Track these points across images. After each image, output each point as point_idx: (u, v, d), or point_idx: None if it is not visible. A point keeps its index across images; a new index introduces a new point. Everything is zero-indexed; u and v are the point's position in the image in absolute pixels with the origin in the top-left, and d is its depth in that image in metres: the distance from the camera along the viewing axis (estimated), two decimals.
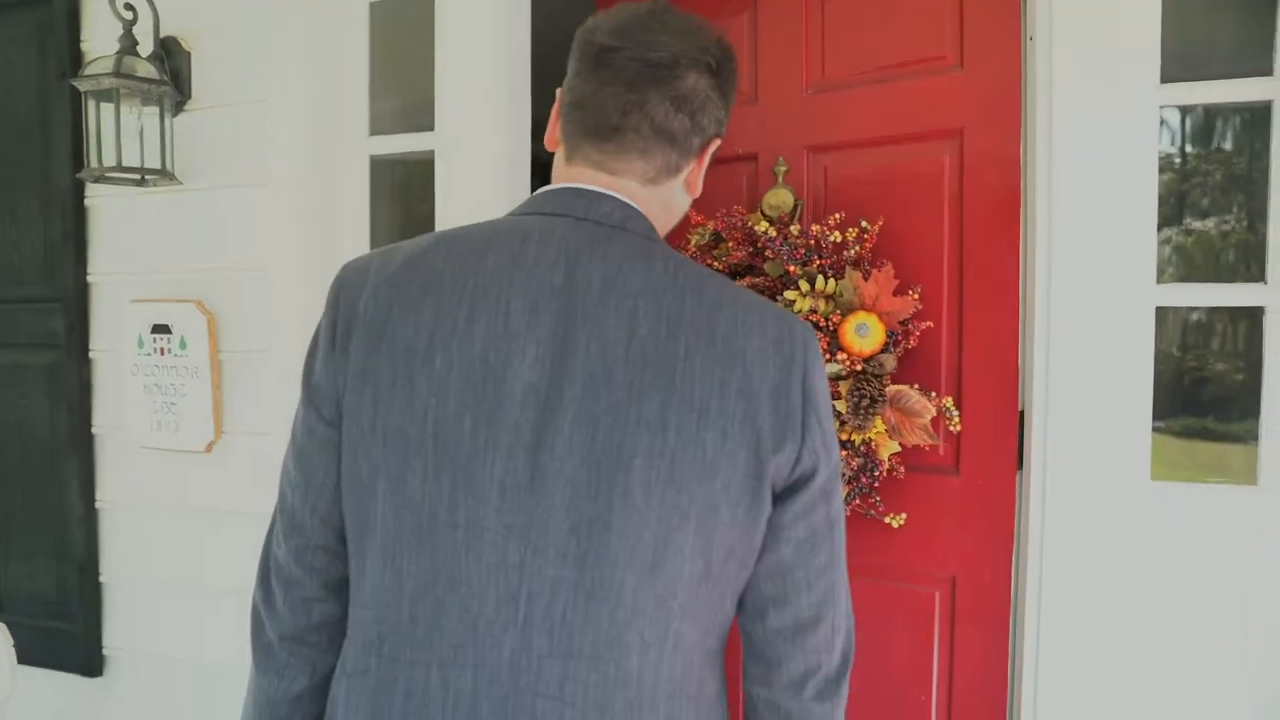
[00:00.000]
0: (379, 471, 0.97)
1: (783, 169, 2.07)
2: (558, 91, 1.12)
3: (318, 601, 1.07)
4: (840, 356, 1.93)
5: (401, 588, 0.97)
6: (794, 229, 1.99)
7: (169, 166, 2.15)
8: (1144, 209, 1.67)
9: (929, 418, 1.85)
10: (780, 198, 2.05)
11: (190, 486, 2.28)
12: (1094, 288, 1.70)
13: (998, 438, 1.82)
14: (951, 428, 1.86)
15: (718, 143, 1.12)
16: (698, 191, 1.14)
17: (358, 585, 1.01)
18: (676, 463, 0.93)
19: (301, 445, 1.05)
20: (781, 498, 0.99)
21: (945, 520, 1.91)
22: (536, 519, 0.93)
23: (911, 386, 1.89)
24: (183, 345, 2.20)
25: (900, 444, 1.89)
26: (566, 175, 1.08)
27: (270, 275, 2.16)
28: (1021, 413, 1.81)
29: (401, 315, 0.97)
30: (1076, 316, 1.71)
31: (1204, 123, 1.98)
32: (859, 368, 1.91)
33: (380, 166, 2.23)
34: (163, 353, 2.22)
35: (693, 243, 2.14)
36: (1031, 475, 1.77)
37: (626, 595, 0.93)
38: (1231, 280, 1.93)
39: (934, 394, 1.87)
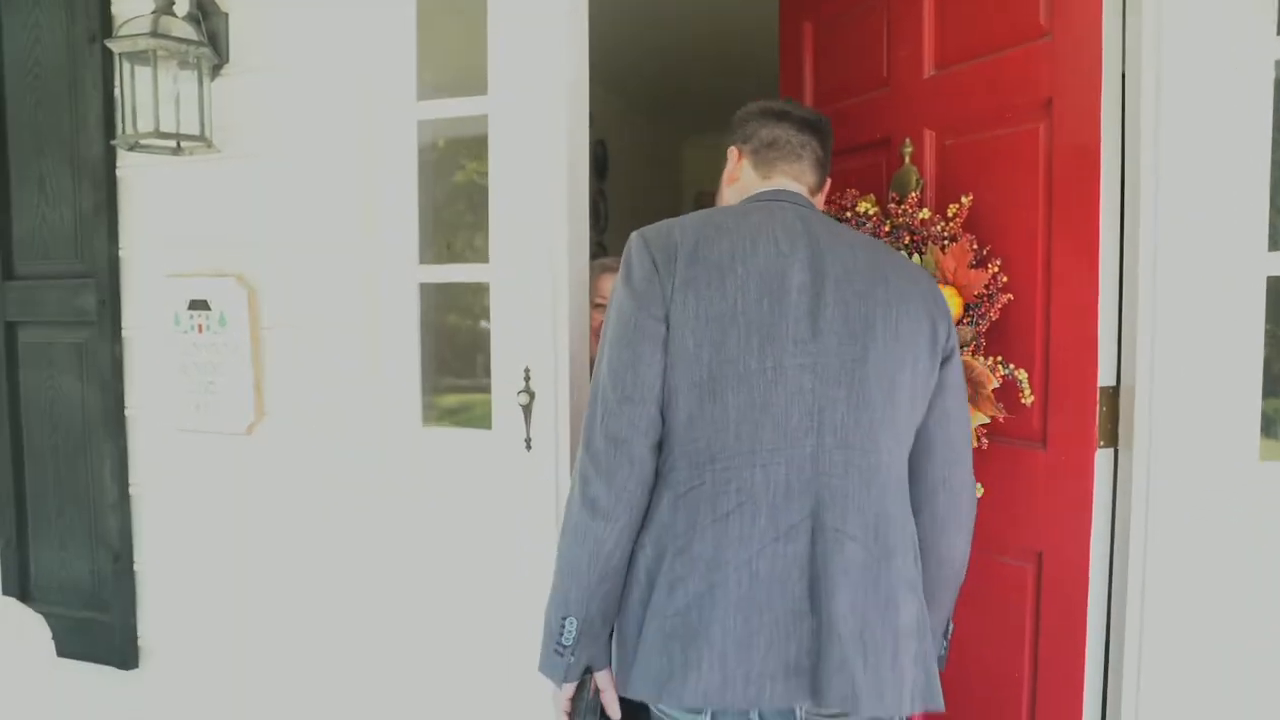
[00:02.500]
0: (704, 342, 1.40)
1: (908, 150, 2.07)
2: (731, 150, 1.69)
3: (639, 460, 1.41)
4: None
5: (727, 417, 1.39)
6: (896, 208, 1.97)
7: (207, 133, 2.04)
8: (1254, 171, 1.57)
9: (990, 388, 1.79)
10: (904, 178, 2.05)
11: (230, 470, 2.18)
12: (1200, 256, 1.61)
13: (1080, 412, 1.73)
14: (1023, 400, 1.78)
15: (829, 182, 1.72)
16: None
17: (687, 427, 1.41)
18: (899, 329, 1.44)
19: (631, 336, 1.42)
20: (941, 364, 1.50)
21: (1032, 494, 1.82)
22: (820, 359, 1.41)
23: (994, 359, 1.80)
24: (222, 321, 2.10)
25: (990, 416, 1.82)
26: (770, 184, 1.63)
27: (315, 247, 2.06)
28: (1117, 388, 1.72)
29: (706, 247, 1.44)
30: (1180, 287, 1.63)
31: None
32: None
33: (428, 135, 2.13)
34: (200, 330, 2.12)
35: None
36: (1134, 453, 1.68)
37: (876, 409, 1.42)
38: None
39: (1012, 367, 1.79)
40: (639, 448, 1.41)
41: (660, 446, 1.44)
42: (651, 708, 1.48)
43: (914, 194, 1.95)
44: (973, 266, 1.83)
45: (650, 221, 1.53)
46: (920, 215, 1.91)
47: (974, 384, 1.81)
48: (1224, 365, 1.60)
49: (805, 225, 1.49)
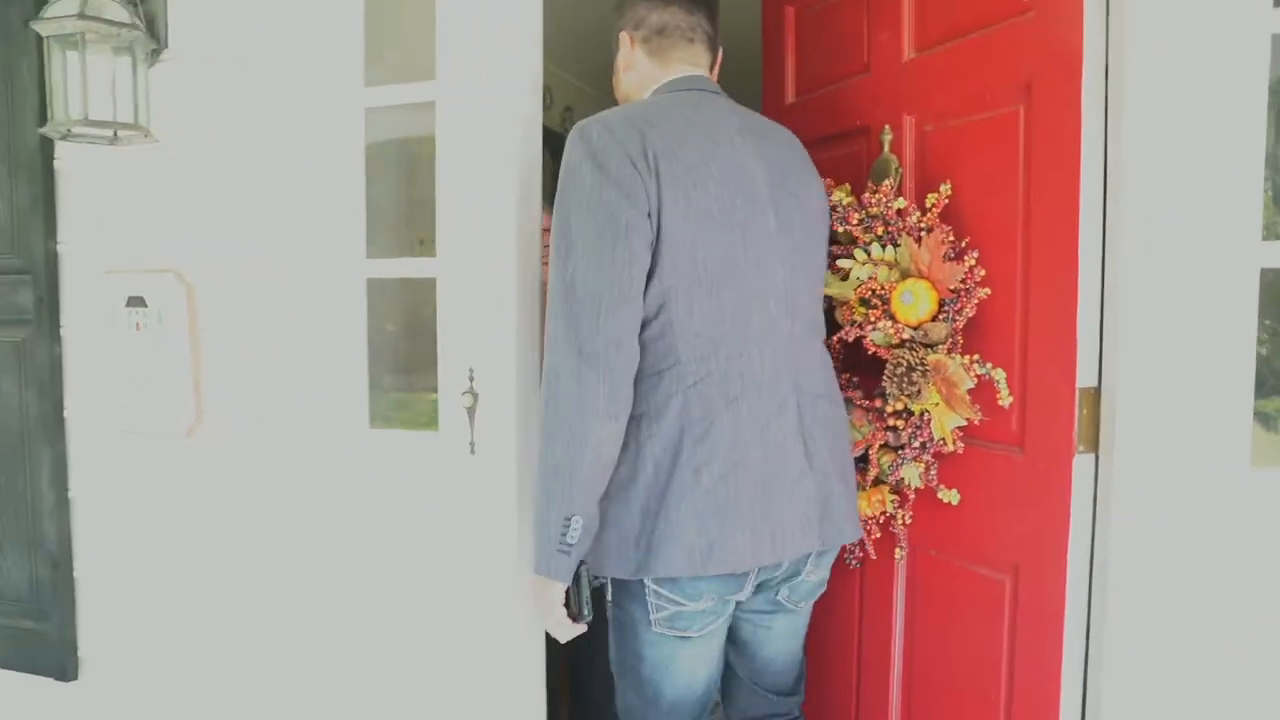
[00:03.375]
0: (699, 240, 1.48)
1: (887, 137, 1.96)
2: (622, 36, 1.72)
3: (634, 359, 1.46)
4: (885, 324, 1.74)
5: (724, 311, 1.51)
6: (870, 196, 1.85)
7: (143, 121, 1.94)
8: (1248, 157, 1.45)
9: (964, 389, 1.68)
10: (883, 166, 1.94)
11: (170, 474, 2.08)
12: (1187, 247, 1.48)
13: (1055, 416, 1.61)
14: (1000, 401, 1.66)
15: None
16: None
17: (688, 323, 1.49)
18: (817, 205, 1.70)
19: (620, 233, 1.42)
20: None
21: (1009, 503, 1.71)
22: (785, 250, 1.60)
23: (970, 358, 1.69)
24: (160, 320, 2.00)
25: (966, 418, 1.70)
26: (671, 72, 1.68)
27: (257, 242, 1.96)
28: (1099, 389, 1.59)
29: (678, 145, 1.48)
30: (1166, 280, 1.50)
31: None
32: (906, 336, 1.72)
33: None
34: (139, 328, 2.02)
35: None
36: (1113, 459, 1.55)
37: (816, 284, 1.69)
38: None
39: (989, 366, 1.67)
40: (633, 347, 1.46)
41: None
42: (647, 586, 1.55)
43: (889, 182, 1.84)
44: (948, 259, 1.72)
45: None
46: (895, 205, 1.80)
47: (948, 384, 1.69)
48: (1213, 364, 1.47)
49: (737, 116, 1.63)
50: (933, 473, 1.80)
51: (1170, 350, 1.50)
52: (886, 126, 1.95)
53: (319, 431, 1.97)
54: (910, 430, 1.78)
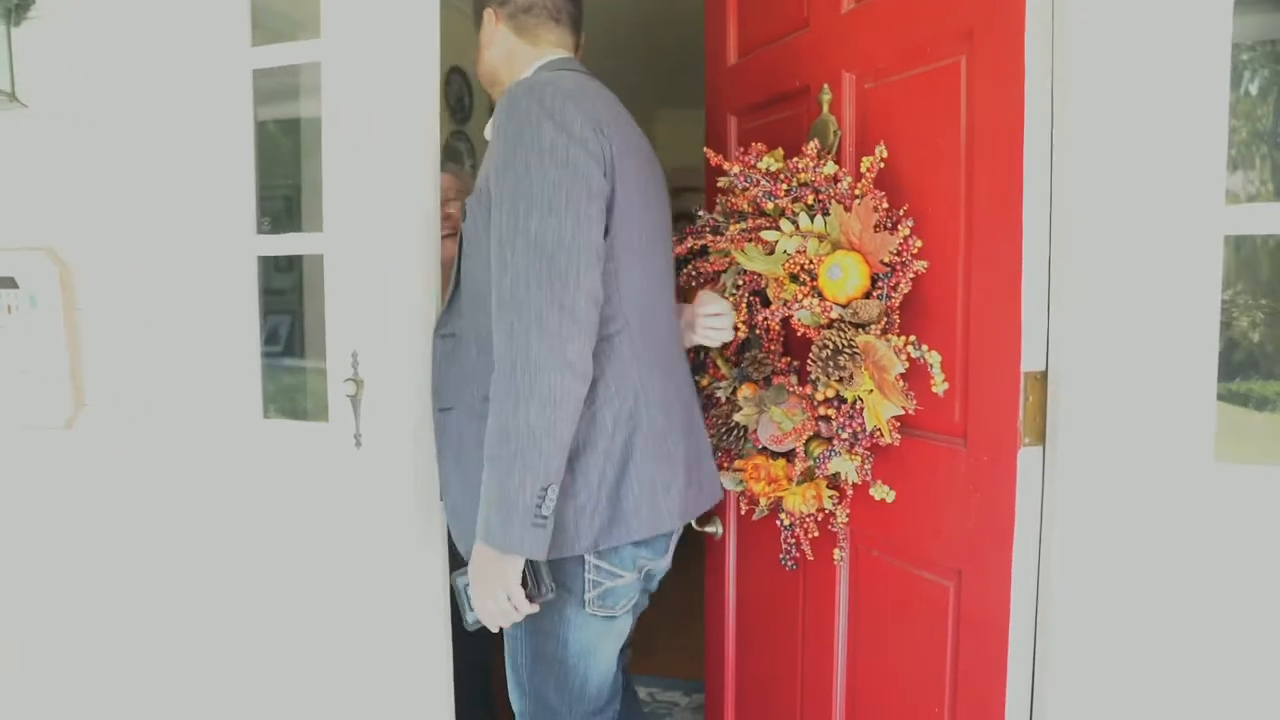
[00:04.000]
0: (638, 208, 1.54)
1: (826, 97, 1.78)
2: (486, 12, 1.68)
3: (597, 317, 1.43)
4: (811, 302, 1.57)
5: (652, 279, 1.61)
6: (802, 163, 1.67)
7: (9, 86, 1.78)
8: (1209, 109, 1.26)
9: (895, 373, 1.50)
10: (821, 129, 1.76)
11: (49, 470, 1.92)
12: (1140, 212, 1.30)
13: (998, 405, 1.43)
14: (934, 388, 1.49)
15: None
16: None
17: (630, 288, 1.54)
18: None
19: (591, 193, 1.42)
20: None
21: (951, 501, 1.53)
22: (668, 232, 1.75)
23: (905, 339, 1.51)
24: (33, 302, 1.84)
25: (901, 407, 1.53)
26: (543, 53, 1.67)
27: (137, 216, 1.79)
28: (1046, 373, 1.41)
29: (610, 117, 1.51)
30: (1117, 249, 1.32)
31: None
32: (834, 315, 1.55)
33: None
34: (9, 311, 1.86)
35: (722, 183, 1.87)
36: (1058, 452, 1.38)
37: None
38: None
39: (925, 348, 1.50)
40: (601, 304, 1.45)
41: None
42: (587, 561, 1.53)
43: (813, 144, 1.66)
44: (881, 229, 1.54)
45: None
46: (825, 170, 1.62)
47: (878, 368, 1.52)
48: (1172, 345, 1.29)
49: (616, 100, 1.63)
50: (867, 467, 1.63)
51: (1124, 330, 1.32)
52: (825, 85, 1.77)
53: (209, 422, 1.81)
54: (841, 420, 1.60)
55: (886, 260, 1.53)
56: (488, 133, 1.53)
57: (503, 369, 1.37)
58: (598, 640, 1.60)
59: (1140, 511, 1.32)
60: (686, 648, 3.18)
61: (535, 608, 1.48)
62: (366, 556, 1.68)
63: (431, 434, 1.65)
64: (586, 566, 1.53)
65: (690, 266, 1.92)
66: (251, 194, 1.80)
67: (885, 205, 1.55)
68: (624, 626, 1.67)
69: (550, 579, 1.48)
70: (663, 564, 1.68)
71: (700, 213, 1.94)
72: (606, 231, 1.46)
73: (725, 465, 1.94)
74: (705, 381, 2.02)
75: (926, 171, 1.55)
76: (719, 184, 1.87)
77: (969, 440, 1.48)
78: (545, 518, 1.37)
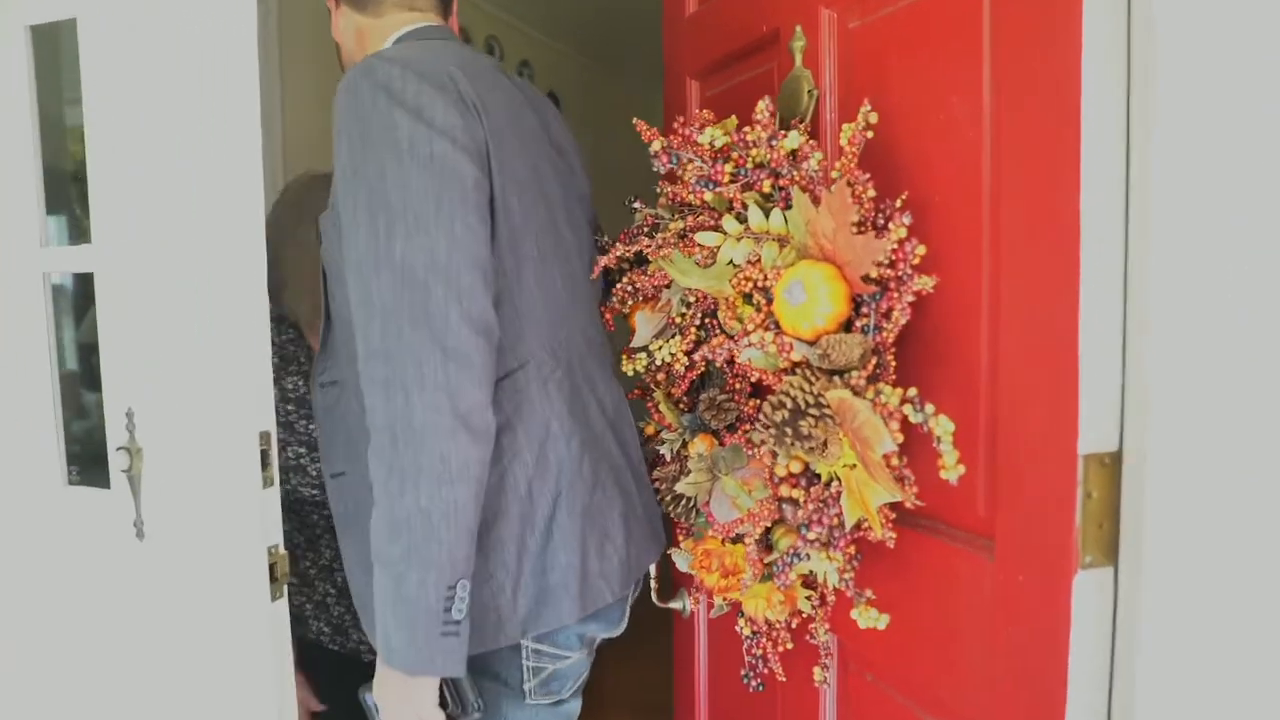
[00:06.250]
0: (526, 208, 1.23)
1: (799, 44, 1.26)
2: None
3: (494, 351, 1.14)
4: (763, 336, 1.07)
5: (556, 290, 1.31)
6: (753, 135, 1.17)
7: None
8: None
9: (882, 451, 0.98)
10: (793, 89, 1.25)
11: None
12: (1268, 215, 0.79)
13: (1043, 501, 0.92)
14: (944, 473, 0.97)
15: None
16: None
17: (530, 306, 1.24)
18: None
19: (469, 197, 1.12)
20: None
21: (967, 628, 1.02)
22: (582, 228, 1.44)
23: (900, 394, 1.01)
24: None
25: (892, 496, 1.03)
26: (399, 23, 1.34)
27: None
28: (1120, 455, 0.90)
29: (486, 92, 1.20)
30: (1234, 267, 0.81)
31: None
32: (796, 358, 1.05)
33: None
34: None
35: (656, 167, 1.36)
36: (1143, 578, 0.87)
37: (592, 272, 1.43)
38: None
39: (929, 410, 0.99)
40: (496, 336, 1.15)
41: None
42: (525, 647, 1.27)
43: (763, 106, 1.16)
44: (864, 228, 1.04)
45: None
46: (784, 144, 1.12)
47: (859, 439, 1.01)
48: None
49: (505, 75, 1.36)
50: (850, 573, 1.13)
51: (1258, 385, 0.82)
52: (798, 28, 1.27)
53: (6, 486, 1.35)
54: (811, 508, 1.10)
55: (874, 275, 1.02)
56: None
57: (380, 442, 1.08)
58: None
59: (1272, 674, 0.82)
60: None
61: None
62: (147, 670, 1.21)
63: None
64: (524, 653, 1.28)
65: (626, 279, 1.43)
66: (35, 192, 1.33)
67: (872, 194, 1.04)
68: (573, 710, 1.42)
69: (476, 694, 1.23)
70: (618, 630, 1.41)
71: (635, 205, 1.45)
72: (494, 242, 1.17)
73: (677, 541, 1.46)
74: (650, 429, 1.53)
75: (933, 143, 1.05)
76: (654, 168, 1.37)
77: (998, 548, 0.97)
78: (457, 622, 1.10)
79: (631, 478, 1.39)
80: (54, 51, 1.39)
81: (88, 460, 1.39)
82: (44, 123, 1.36)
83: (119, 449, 1.17)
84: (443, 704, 1.20)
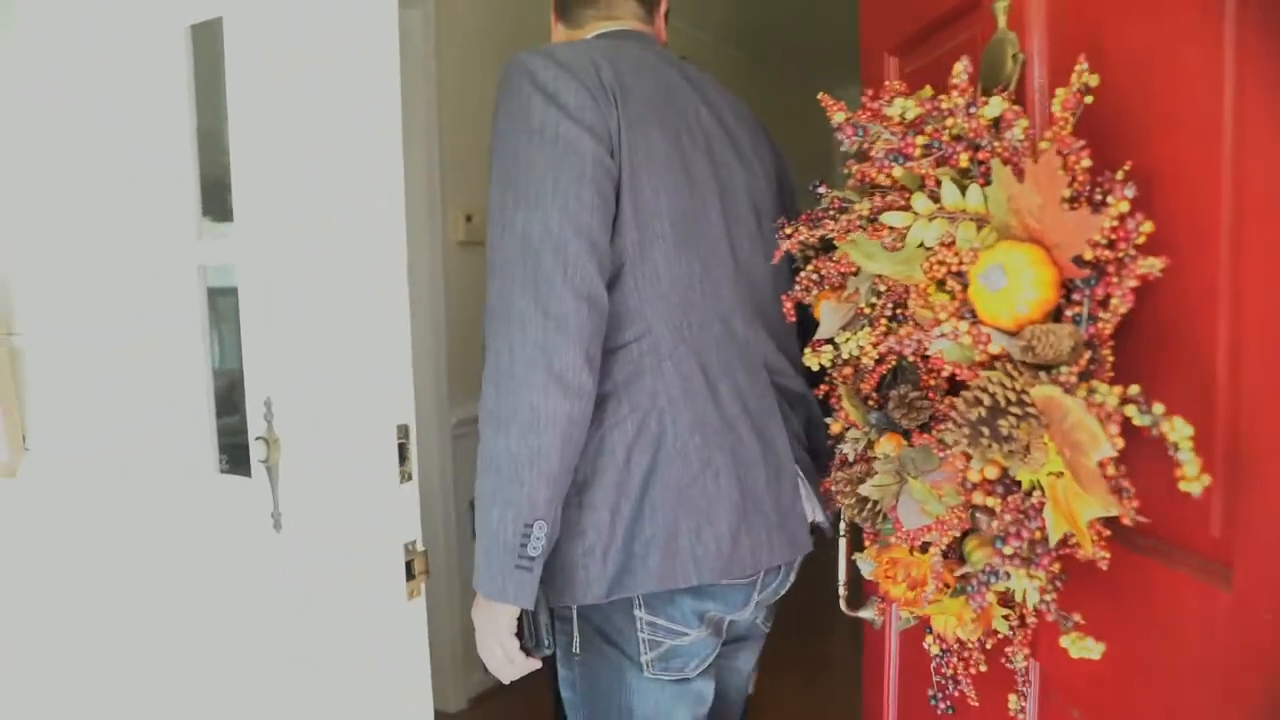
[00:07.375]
0: (661, 190, 1.30)
1: (1002, 4, 1.12)
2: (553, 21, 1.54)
3: (603, 319, 1.24)
4: (957, 326, 0.96)
5: (692, 274, 1.35)
6: (949, 102, 1.05)
7: None
8: None
9: (1098, 456, 0.84)
10: (995, 54, 1.12)
11: None
12: None
13: None
14: (1184, 484, 0.83)
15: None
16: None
17: (654, 285, 1.30)
18: None
19: (587, 172, 1.21)
20: None
21: (1196, 666, 0.88)
22: (747, 217, 1.48)
23: (1120, 392, 0.87)
24: None
25: (1107, 512, 0.90)
26: (604, 28, 1.47)
27: (60, 218, 1.41)
28: None
29: (636, 82, 1.30)
30: None
31: None
32: (995, 350, 0.94)
33: None
34: None
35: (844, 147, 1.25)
36: None
37: (773, 256, 1.39)
38: None
39: (1158, 412, 0.85)
40: (604, 308, 1.25)
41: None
42: (638, 617, 1.33)
43: (961, 68, 1.04)
44: (1077, 202, 0.91)
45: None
46: (983, 114, 1.00)
47: (1070, 444, 0.89)
48: None
49: (681, 70, 1.44)
50: (1051, 595, 1.00)
51: None
52: None
53: (159, 472, 1.40)
54: (1008, 517, 0.98)
55: (1088, 257, 0.89)
56: None
57: (486, 389, 1.20)
58: (669, 709, 1.39)
59: None
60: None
61: (536, 663, 1.33)
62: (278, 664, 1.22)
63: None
64: (639, 624, 1.34)
65: (811, 266, 1.34)
66: (193, 183, 1.38)
67: (1087, 164, 0.91)
68: (704, 690, 1.44)
69: (550, 634, 1.31)
70: (744, 616, 1.46)
71: (820, 189, 1.35)
72: (617, 218, 1.26)
73: (865, 544, 1.38)
74: (836, 427, 1.44)
75: (1161, 105, 0.91)
76: (841, 146, 1.27)
77: (1237, 577, 0.83)
78: (531, 559, 1.19)
79: (767, 473, 1.38)
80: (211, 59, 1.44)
81: (236, 451, 1.45)
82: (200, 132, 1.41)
83: (257, 439, 1.19)
84: (521, 635, 1.29)
